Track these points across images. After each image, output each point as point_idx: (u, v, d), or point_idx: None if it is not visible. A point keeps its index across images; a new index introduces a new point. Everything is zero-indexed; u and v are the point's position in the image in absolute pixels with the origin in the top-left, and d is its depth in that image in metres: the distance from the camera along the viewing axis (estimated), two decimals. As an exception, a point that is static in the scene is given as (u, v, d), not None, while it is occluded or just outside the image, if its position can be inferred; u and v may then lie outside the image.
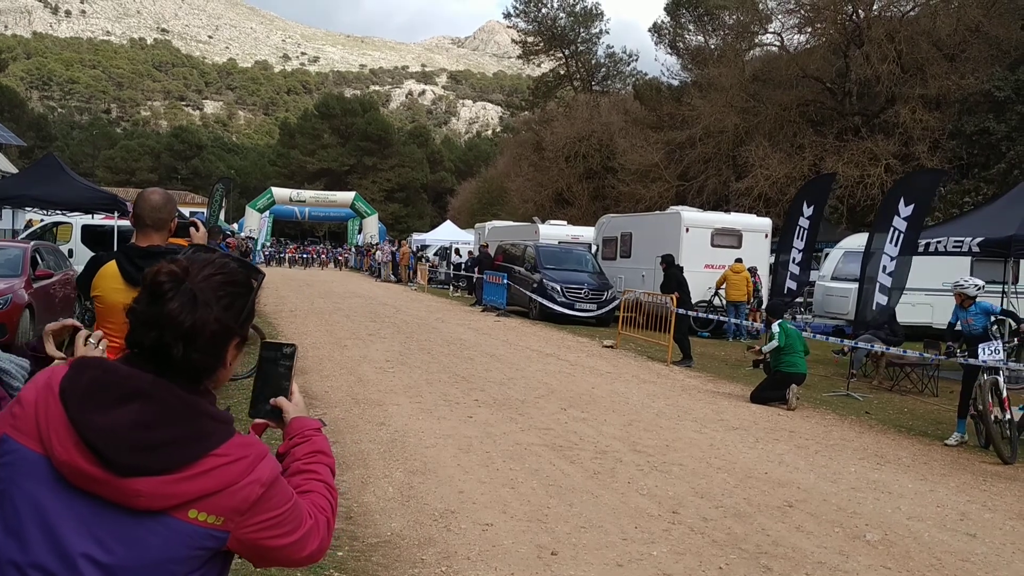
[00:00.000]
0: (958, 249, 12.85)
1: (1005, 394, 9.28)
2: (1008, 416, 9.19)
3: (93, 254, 4.30)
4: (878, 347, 12.64)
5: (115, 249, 4.76)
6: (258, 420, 1.97)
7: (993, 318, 9.94)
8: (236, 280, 1.72)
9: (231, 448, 1.63)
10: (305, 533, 1.74)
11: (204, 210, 39.87)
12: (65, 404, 1.57)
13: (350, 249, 63.85)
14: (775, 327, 11.99)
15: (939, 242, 13.19)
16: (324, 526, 1.79)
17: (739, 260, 20.37)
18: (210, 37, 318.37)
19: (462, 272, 35.09)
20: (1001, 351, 9.56)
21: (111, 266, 3.73)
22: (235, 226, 57.88)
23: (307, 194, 68.21)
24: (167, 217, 3.85)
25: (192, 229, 4.20)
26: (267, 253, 60.12)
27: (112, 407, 1.56)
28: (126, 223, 16.21)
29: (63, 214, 20.56)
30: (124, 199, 17.16)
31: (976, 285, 10.14)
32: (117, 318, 3.15)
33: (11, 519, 1.56)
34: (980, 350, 9.53)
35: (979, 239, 12.38)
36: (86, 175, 55.49)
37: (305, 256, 62.59)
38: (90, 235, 20.71)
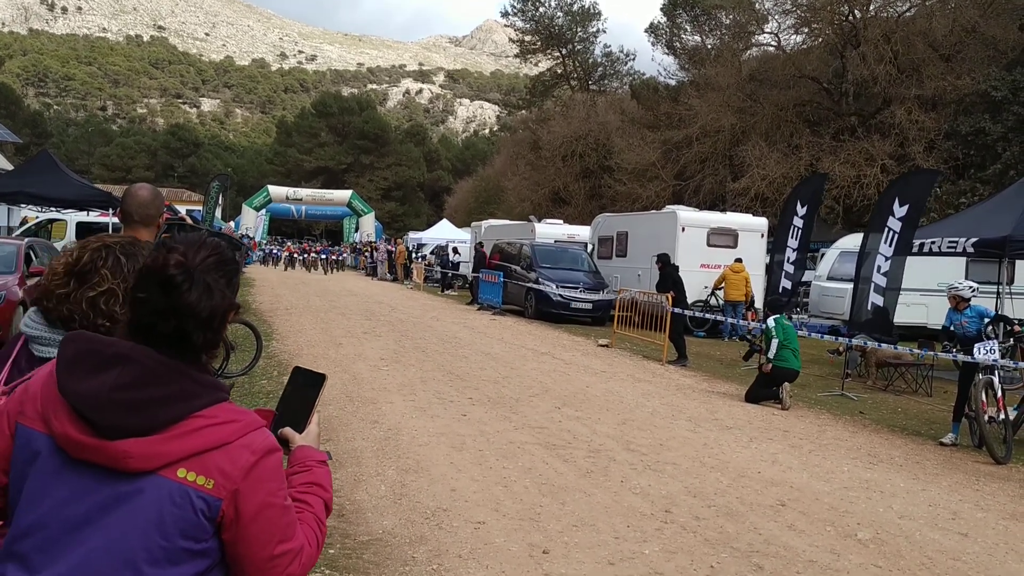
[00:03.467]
0: (953, 249, 12.85)
1: (1000, 393, 9.30)
2: (1003, 416, 9.21)
3: None
4: (871, 343, 12.67)
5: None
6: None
7: (987, 321, 9.95)
8: (228, 257, 1.78)
9: (219, 411, 1.68)
10: (294, 549, 1.73)
11: (200, 208, 39.83)
12: (57, 378, 1.66)
13: (347, 247, 63.29)
14: (771, 321, 12.02)
15: (934, 242, 13.19)
16: (308, 558, 1.78)
17: (739, 260, 20.37)
18: (207, 34, 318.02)
19: (459, 272, 35.11)
20: (996, 350, 9.57)
21: None
22: (231, 224, 57.82)
23: (304, 192, 68.29)
24: (155, 213, 3.85)
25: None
26: (265, 251, 57.46)
27: (94, 373, 1.63)
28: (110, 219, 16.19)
29: (58, 211, 20.54)
30: (119, 197, 17.14)
31: (970, 287, 10.16)
32: None
33: (26, 496, 1.65)
34: (976, 349, 9.55)
35: (974, 239, 12.37)
36: (82, 172, 55.44)
37: (304, 256, 52.96)
38: (85, 232, 20.65)
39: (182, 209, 34.82)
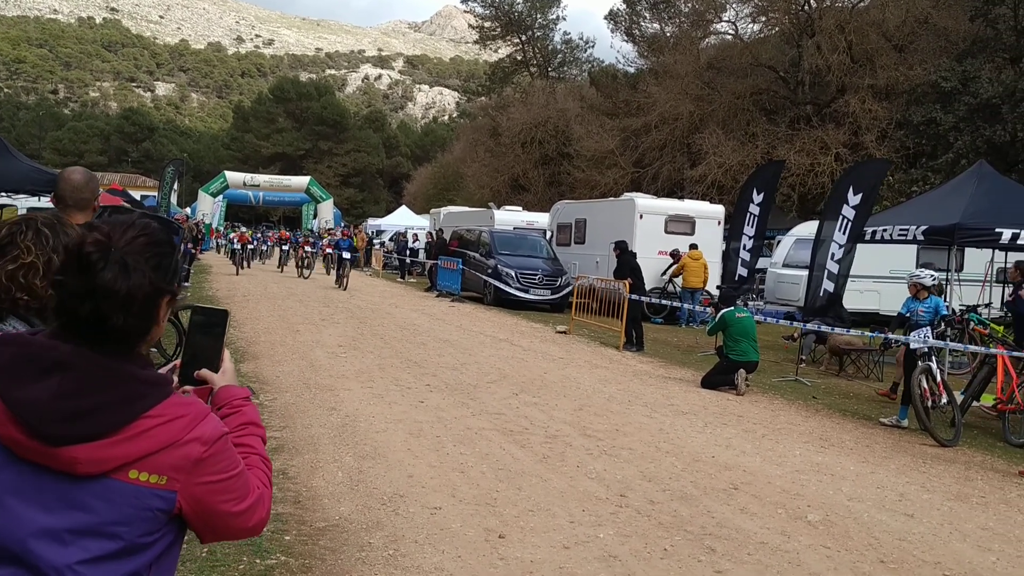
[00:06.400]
0: (903, 237, 13.07)
1: (940, 378, 9.52)
2: (946, 399, 9.42)
3: None
4: (825, 328, 12.88)
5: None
6: (190, 388, 1.92)
7: (940, 316, 10.15)
8: (160, 239, 1.71)
9: (167, 408, 1.65)
10: (253, 503, 1.76)
11: (155, 194, 39.23)
12: None
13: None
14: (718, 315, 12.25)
15: (885, 230, 13.40)
16: (268, 499, 1.83)
17: (694, 246, 20.53)
18: (161, 17, 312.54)
19: (418, 259, 35.01)
20: (930, 335, 9.80)
21: None
22: (187, 210, 57.09)
23: (261, 178, 67.61)
24: (89, 196, 3.82)
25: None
26: (220, 240, 51.23)
27: (32, 381, 1.58)
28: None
29: (8, 196, 20.12)
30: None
31: (931, 276, 10.38)
32: None
33: None
34: (912, 336, 9.83)
35: (924, 227, 12.59)
36: (33, 157, 54.25)
37: (266, 246, 43.46)
38: (36, 218, 20.28)
39: (137, 195, 34.33)
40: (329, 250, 32.33)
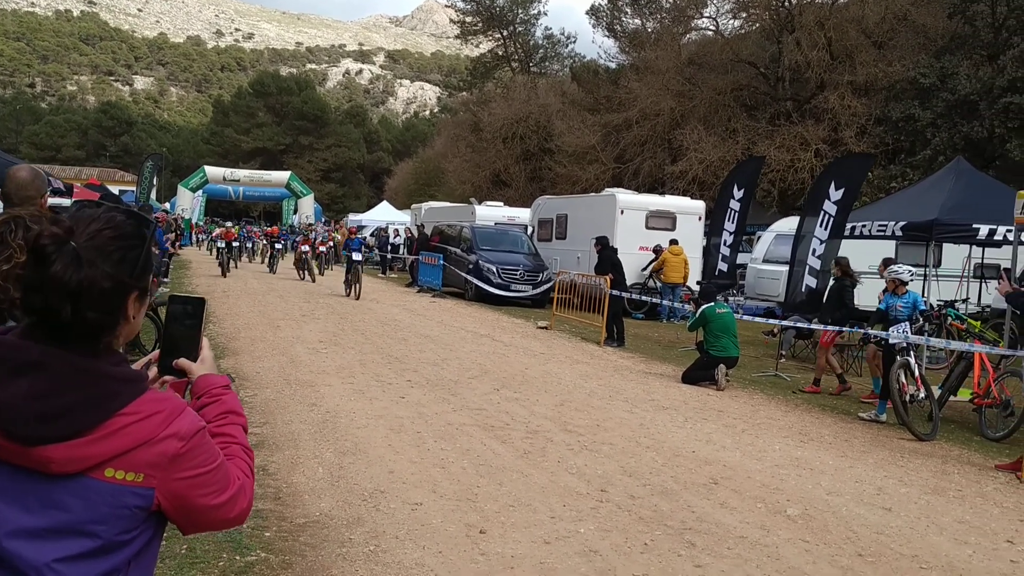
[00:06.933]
0: (882, 233, 13.15)
1: (918, 372, 9.61)
2: (924, 394, 9.50)
3: None
4: (802, 325, 12.95)
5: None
6: (169, 378, 1.90)
7: (918, 311, 10.23)
8: (125, 232, 1.67)
9: (142, 405, 1.62)
10: (234, 494, 1.74)
11: (134, 188, 38.97)
12: None
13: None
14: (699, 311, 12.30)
15: (864, 225, 13.49)
16: (250, 488, 1.81)
17: (675, 241, 20.59)
18: (140, 10, 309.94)
19: (399, 255, 34.97)
20: (909, 331, 9.88)
21: None
22: (167, 205, 56.74)
23: (241, 173, 67.21)
24: (35, 194, 3.81)
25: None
26: (201, 235, 51.64)
27: (6, 381, 1.55)
28: (62, 201, 15.81)
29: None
30: (50, 175, 16.72)
31: (908, 270, 10.46)
32: None
33: None
34: (891, 331, 9.90)
35: (902, 223, 12.68)
36: (10, 151, 53.81)
37: (252, 244, 40.51)
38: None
39: (115, 190, 34.08)
40: (305, 247, 27.71)
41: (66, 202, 16.08)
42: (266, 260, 33.37)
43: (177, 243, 29.78)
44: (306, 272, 27.07)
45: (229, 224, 35.69)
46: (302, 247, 27.92)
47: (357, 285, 21.40)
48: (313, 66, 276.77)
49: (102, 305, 1.62)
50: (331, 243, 33.27)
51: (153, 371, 1.89)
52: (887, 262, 12.14)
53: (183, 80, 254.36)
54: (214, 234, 36.16)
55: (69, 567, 1.57)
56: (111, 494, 1.59)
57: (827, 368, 12.11)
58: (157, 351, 1.94)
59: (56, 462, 1.55)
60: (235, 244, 30.67)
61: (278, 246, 32.65)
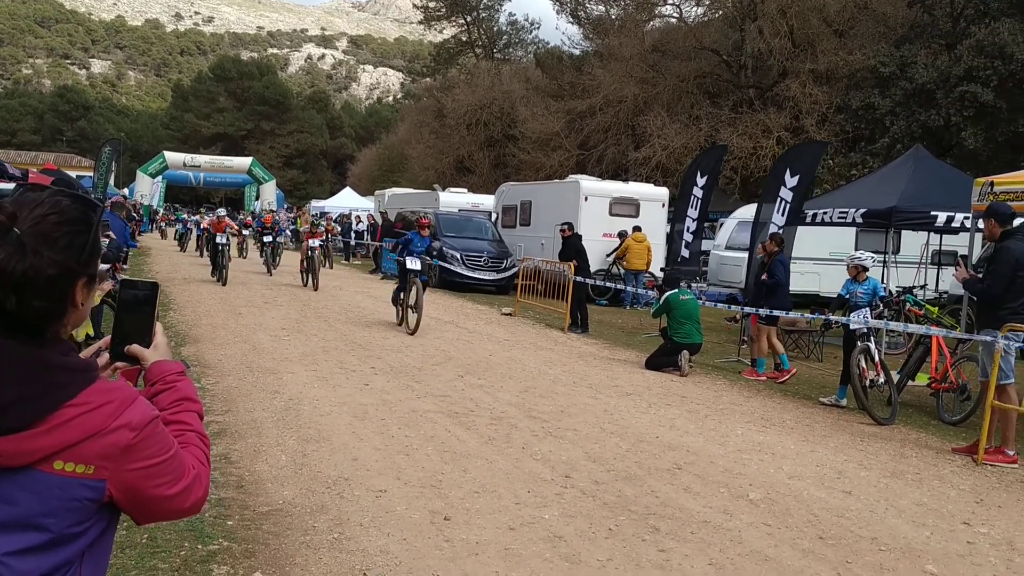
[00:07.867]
0: (843, 220, 13.31)
1: (878, 358, 9.75)
2: (883, 379, 9.63)
3: None
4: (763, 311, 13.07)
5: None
6: (121, 364, 1.84)
7: (878, 297, 10.35)
8: (72, 217, 1.61)
9: (91, 396, 1.58)
10: (189, 484, 1.71)
11: (91, 174, 38.34)
12: None
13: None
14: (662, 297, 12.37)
15: (825, 213, 13.63)
16: (206, 477, 1.77)
17: (638, 228, 20.67)
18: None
19: (363, 241, 34.78)
20: (869, 316, 10.01)
21: None
22: (125, 191, 55.87)
23: (202, 159, 66.32)
24: None
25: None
26: (164, 221, 50.26)
27: None
28: (6, 186, 15.50)
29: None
30: (4, 161, 16.41)
31: (870, 257, 10.61)
32: None
33: None
34: (852, 316, 10.04)
35: (862, 210, 12.84)
36: (-37, 136, 52.65)
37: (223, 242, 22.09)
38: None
39: (73, 175, 33.49)
40: (314, 241, 20.94)
41: (8, 187, 15.68)
42: (245, 255, 28.75)
43: (136, 230, 29.28)
44: (310, 276, 20.50)
45: (222, 212, 26.41)
46: (309, 241, 20.86)
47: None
48: (275, 51, 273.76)
49: (48, 294, 1.57)
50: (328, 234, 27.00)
51: (104, 358, 1.83)
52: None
53: (141, 64, 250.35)
54: (203, 224, 29.90)
55: (19, 561, 1.53)
56: (60, 487, 1.54)
57: (769, 351, 12.17)
58: (108, 337, 1.88)
59: (2, 455, 1.51)
60: (220, 239, 20.79)
61: (269, 239, 24.12)
